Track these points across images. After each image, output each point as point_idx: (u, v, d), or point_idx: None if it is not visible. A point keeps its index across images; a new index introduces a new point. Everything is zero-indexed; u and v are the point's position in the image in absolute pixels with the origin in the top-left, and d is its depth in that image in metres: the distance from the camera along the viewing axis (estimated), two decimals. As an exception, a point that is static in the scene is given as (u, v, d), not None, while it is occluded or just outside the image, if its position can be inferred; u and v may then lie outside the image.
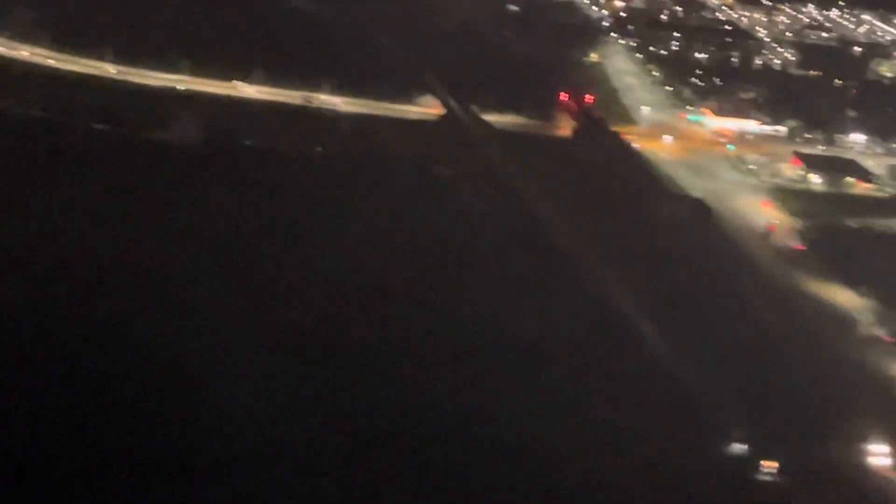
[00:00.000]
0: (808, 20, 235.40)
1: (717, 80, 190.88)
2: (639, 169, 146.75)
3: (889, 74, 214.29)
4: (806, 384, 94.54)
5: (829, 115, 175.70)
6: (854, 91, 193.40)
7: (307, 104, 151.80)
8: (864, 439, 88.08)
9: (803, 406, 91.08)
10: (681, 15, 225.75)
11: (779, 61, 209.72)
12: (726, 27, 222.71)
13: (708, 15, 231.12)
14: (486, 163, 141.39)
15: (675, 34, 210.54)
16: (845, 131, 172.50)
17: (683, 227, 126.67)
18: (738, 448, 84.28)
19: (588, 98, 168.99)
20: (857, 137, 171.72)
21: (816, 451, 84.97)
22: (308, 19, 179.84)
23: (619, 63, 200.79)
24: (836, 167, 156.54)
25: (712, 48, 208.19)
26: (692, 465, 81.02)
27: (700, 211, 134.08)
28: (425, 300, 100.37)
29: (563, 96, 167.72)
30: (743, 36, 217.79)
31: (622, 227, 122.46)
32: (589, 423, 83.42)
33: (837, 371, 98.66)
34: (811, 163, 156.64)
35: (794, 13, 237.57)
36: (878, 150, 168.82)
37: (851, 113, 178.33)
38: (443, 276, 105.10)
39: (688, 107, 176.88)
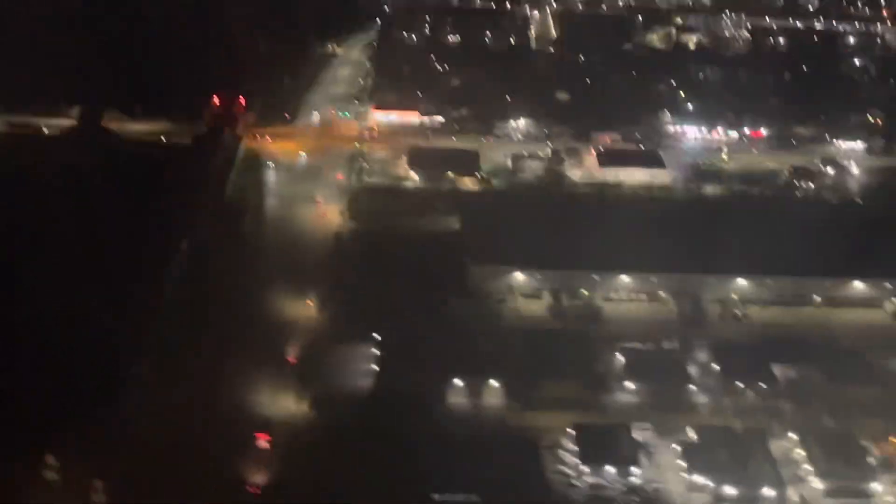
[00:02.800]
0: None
1: (441, 67, 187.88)
2: (220, 175, 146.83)
3: (660, 45, 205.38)
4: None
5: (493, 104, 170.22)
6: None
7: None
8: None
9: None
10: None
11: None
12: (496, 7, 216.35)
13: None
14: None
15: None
16: (508, 118, 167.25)
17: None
18: None
19: (240, 99, 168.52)
20: (518, 124, 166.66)
21: None
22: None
23: (353, 54, 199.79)
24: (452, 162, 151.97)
25: (464, 31, 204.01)
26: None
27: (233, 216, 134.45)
28: None
29: (217, 98, 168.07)
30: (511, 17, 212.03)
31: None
32: None
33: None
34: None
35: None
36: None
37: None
38: None
39: (356, 101, 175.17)
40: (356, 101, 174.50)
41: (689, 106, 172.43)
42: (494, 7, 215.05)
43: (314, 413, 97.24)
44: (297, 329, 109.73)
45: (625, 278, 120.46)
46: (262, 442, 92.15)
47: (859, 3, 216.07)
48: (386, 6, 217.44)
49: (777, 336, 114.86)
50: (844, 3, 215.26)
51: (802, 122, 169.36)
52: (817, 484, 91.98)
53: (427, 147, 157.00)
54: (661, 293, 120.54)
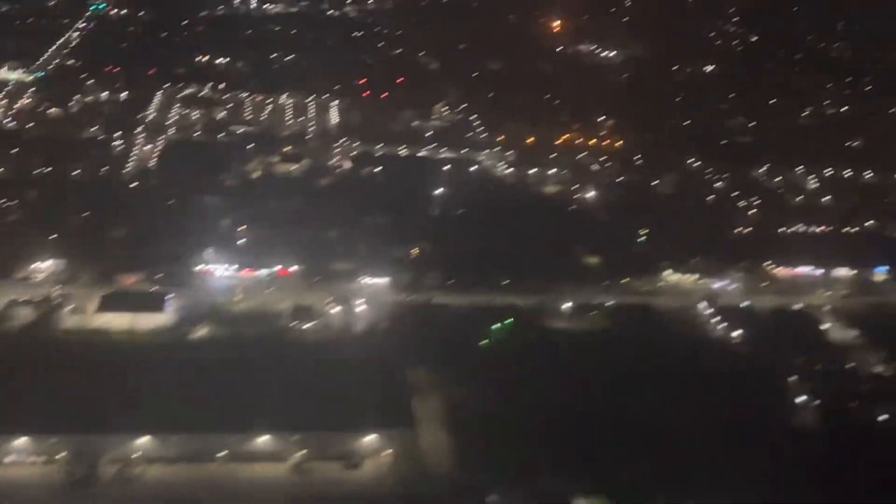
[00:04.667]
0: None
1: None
2: None
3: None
4: None
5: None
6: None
7: None
8: None
9: None
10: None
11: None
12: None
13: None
14: None
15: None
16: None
17: None
18: None
19: None
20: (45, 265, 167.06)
21: None
22: None
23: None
24: None
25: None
26: None
27: None
28: None
29: None
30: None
31: None
32: None
33: None
34: None
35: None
36: None
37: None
38: None
39: None
40: None
41: (235, 243, 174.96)
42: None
43: None
44: None
45: (23, 440, 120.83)
46: None
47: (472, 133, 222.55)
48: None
49: (173, 495, 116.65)
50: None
51: (340, 257, 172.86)
52: None
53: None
54: (59, 455, 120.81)
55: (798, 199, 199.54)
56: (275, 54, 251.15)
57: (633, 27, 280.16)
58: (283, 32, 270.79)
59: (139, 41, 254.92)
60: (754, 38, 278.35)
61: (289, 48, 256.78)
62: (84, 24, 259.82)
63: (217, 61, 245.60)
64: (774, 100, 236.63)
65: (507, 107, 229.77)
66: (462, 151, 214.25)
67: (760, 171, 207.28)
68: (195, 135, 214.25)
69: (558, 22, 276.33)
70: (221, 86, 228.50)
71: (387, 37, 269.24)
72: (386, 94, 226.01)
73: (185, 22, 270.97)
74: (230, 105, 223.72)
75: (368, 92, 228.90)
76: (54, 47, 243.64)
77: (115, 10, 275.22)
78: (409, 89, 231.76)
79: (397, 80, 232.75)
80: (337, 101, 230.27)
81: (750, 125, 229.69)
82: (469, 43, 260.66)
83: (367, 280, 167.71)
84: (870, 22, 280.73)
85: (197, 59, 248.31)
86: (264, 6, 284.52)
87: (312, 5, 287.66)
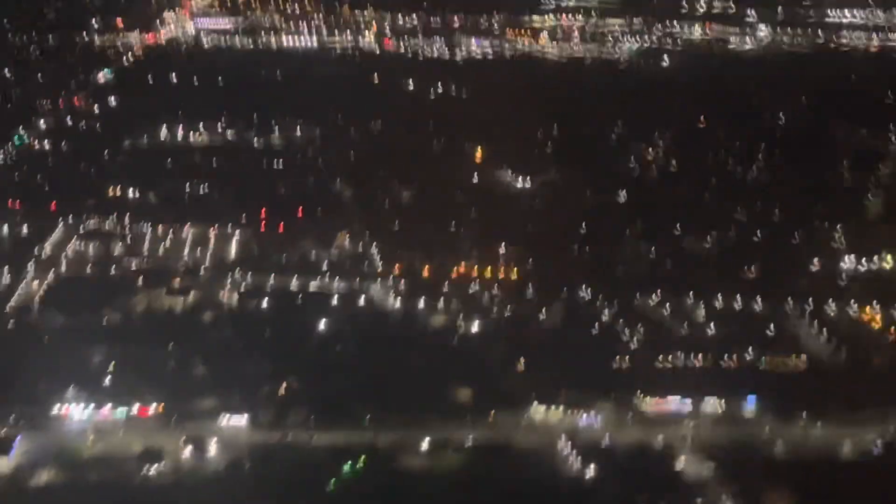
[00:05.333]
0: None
1: None
2: None
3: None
4: None
5: None
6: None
7: None
8: None
9: None
10: None
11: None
12: None
13: None
14: None
15: None
16: None
17: None
18: None
19: None
20: None
21: None
22: None
23: None
24: None
25: None
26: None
27: None
28: None
29: None
30: None
31: None
32: None
33: None
34: None
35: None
36: None
37: None
38: None
39: None
40: None
41: (101, 382, 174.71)
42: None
43: None
44: None
45: None
46: None
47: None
48: None
49: None
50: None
51: (205, 395, 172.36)
52: None
53: None
54: None
55: (683, 329, 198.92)
56: (188, 184, 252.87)
57: (556, 155, 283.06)
58: (204, 163, 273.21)
59: (54, 173, 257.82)
60: (673, 164, 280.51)
61: (204, 178, 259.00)
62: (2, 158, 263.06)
63: (129, 193, 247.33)
64: (679, 225, 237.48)
65: (411, 236, 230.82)
66: (355, 282, 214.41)
67: (650, 300, 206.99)
68: (87, 269, 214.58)
69: (480, 151, 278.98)
70: (127, 218, 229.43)
71: (305, 165, 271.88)
72: (282, 224, 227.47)
73: (107, 153, 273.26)
74: (130, 238, 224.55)
75: (264, 224, 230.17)
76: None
77: (38, 143, 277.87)
78: (312, 219, 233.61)
79: (299, 211, 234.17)
80: (238, 232, 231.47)
81: (649, 253, 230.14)
82: (389, 171, 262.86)
83: (227, 418, 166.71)
84: (790, 149, 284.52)
85: (109, 190, 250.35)
86: (190, 138, 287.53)
87: (239, 135, 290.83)
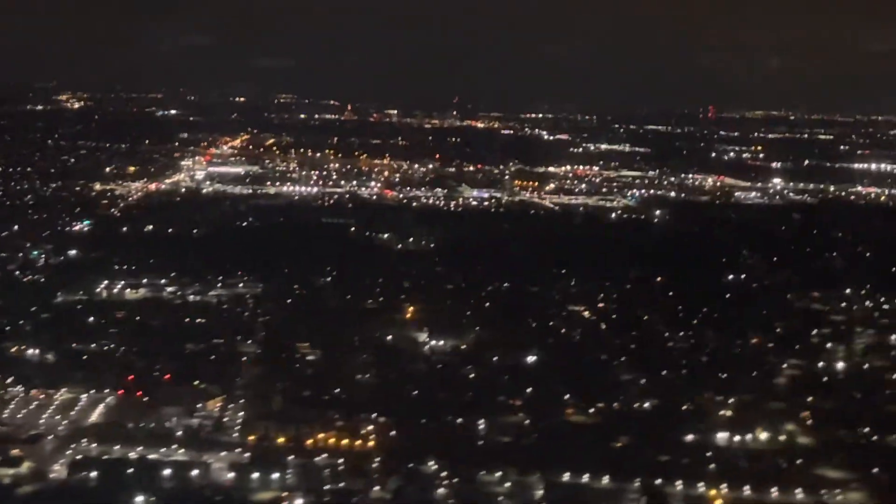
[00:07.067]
0: None
1: None
2: None
3: None
4: None
5: None
6: None
7: None
8: None
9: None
10: None
11: None
12: None
13: None
14: None
15: None
16: None
17: None
18: None
19: None
20: None
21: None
22: None
23: None
24: None
25: None
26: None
27: None
28: None
29: None
30: None
31: None
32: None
33: None
34: None
35: None
36: None
37: None
38: None
39: None
40: None
41: None
42: None
43: None
44: None
45: None
46: None
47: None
48: None
49: None
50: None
51: None
52: None
53: None
54: None
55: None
56: (93, 346, 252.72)
57: (479, 316, 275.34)
58: (127, 320, 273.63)
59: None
60: (602, 327, 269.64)
61: (112, 338, 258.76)
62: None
63: (27, 352, 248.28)
64: (530, 390, 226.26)
65: (286, 403, 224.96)
66: (201, 453, 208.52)
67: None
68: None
69: (410, 311, 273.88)
70: (9, 380, 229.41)
71: (223, 323, 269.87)
72: (141, 391, 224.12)
73: (34, 308, 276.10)
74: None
75: (122, 391, 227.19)
76: None
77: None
78: (180, 384, 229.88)
79: (166, 376, 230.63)
80: (111, 398, 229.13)
81: (529, 424, 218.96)
82: (304, 335, 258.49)
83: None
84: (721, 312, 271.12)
85: (12, 349, 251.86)
86: (126, 293, 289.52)
87: (178, 291, 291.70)
